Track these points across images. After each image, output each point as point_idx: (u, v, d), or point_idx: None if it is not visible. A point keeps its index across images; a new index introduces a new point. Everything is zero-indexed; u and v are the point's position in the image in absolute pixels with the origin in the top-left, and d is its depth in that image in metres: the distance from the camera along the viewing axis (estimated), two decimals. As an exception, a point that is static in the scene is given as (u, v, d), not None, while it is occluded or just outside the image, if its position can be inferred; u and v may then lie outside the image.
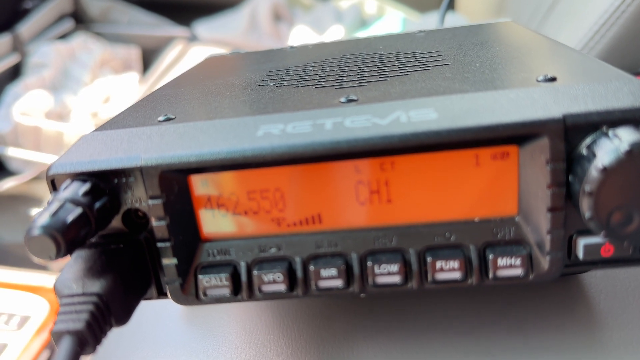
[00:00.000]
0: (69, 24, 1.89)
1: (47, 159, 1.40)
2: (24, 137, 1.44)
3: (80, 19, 1.96)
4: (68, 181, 0.28)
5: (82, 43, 1.76)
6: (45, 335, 0.83)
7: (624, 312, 0.35)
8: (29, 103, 1.49)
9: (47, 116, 1.50)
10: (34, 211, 1.30)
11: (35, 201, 1.34)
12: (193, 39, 1.81)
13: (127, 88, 1.66)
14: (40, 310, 0.86)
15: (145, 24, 1.93)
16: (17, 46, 1.66)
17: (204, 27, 1.81)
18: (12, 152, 1.43)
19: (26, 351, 0.80)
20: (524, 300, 0.36)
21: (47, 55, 1.64)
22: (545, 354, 0.33)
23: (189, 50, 1.72)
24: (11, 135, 1.44)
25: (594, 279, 0.38)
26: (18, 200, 1.36)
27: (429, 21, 1.41)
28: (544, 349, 0.33)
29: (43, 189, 1.34)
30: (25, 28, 1.69)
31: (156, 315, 0.41)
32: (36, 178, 1.35)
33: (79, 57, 1.72)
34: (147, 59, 1.87)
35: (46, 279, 0.93)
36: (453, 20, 1.30)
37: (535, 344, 0.33)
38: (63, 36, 1.84)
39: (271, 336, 0.37)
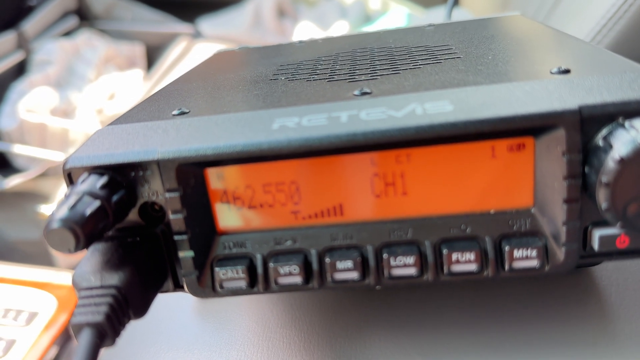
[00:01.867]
0: (73, 21, 1.89)
1: (52, 155, 1.40)
2: (29, 134, 1.45)
3: (84, 16, 1.96)
4: (85, 174, 0.28)
5: (87, 40, 1.76)
6: (53, 331, 0.83)
7: (635, 304, 0.35)
8: (34, 100, 1.49)
9: (53, 113, 1.50)
10: (40, 208, 1.30)
11: (41, 198, 1.34)
12: (197, 35, 1.81)
13: (132, 85, 1.67)
14: (48, 306, 0.87)
15: (149, 21, 1.93)
16: (22, 43, 1.67)
17: (208, 23, 1.81)
18: (18, 149, 1.43)
19: (35, 347, 0.80)
20: (536, 293, 0.36)
21: (52, 53, 1.65)
22: (557, 347, 0.33)
23: (193, 47, 1.72)
24: (17, 132, 1.45)
25: (605, 271, 0.38)
26: (24, 197, 1.37)
27: (434, 16, 1.41)
28: (555, 342, 0.33)
29: (49, 185, 1.35)
30: (30, 25, 1.69)
31: (169, 308, 0.42)
32: (42, 175, 1.36)
33: (83, 54, 1.72)
34: (151, 56, 1.87)
35: (53, 275, 0.94)
36: (459, 15, 1.29)
37: (547, 336, 0.33)
38: (67, 33, 1.84)
39: (283, 329, 0.37)
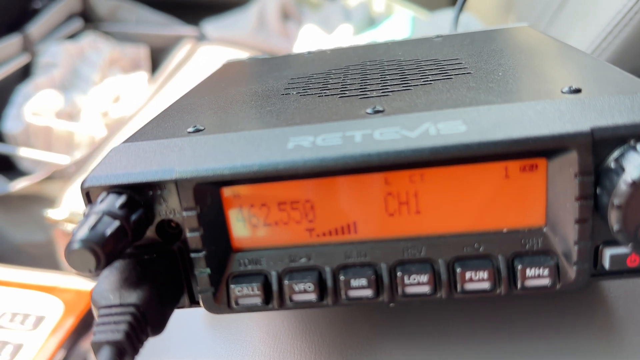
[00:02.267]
0: (77, 23, 1.89)
1: (58, 158, 1.41)
2: (35, 137, 1.45)
3: (89, 18, 1.96)
4: (104, 194, 0.28)
5: (91, 42, 1.77)
6: (60, 335, 0.84)
7: (643, 317, 0.35)
8: (39, 103, 1.49)
9: (58, 116, 1.51)
10: (46, 211, 1.30)
11: (46, 201, 1.35)
12: (202, 38, 1.81)
13: (137, 87, 1.67)
14: (55, 310, 0.87)
15: (153, 23, 1.94)
16: (27, 46, 1.67)
17: (212, 26, 1.81)
18: (24, 152, 1.44)
19: (42, 351, 0.80)
20: (544, 305, 0.36)
21: (57, 55, 1.65)
22: (565, 358, 0.33)
23: (197, 50, 1.72)
24: (22, 135, 1.45)
25: (614, 283, 0.38)
26: (30, 200, 1.37)
27: (438, 19, 1.41)
28: (564, 353, 0.33)
29: (54, 189, 1.35)
30: (35, 28, 1.70)
31: (181, 319, 0.42)
32: (48, 178, 1.36)
33: (88, 56, 1.72)
34: (156, 58, 1.88)
35: (60, 279, 0.94)
36: (463, 19, 1.29)
37: (556, 347, 0.34)
38: (72, 36, 1.85)
39: (294, 341, 0.38)
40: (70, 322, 0.85)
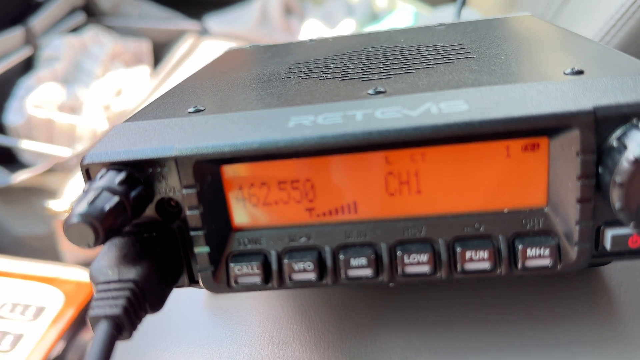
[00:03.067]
0: (80, 17, 1.90)
1: (59, 151, 1.41)
2: (36, 130, 1.45)
3: (91, 12, 1.96)
4: (104, 170, 0.28)
5: (94, 36, 1.77)
6: (60, 326, 0.84)
7: (645, 304, 0.35)
8: (41, 96, 1.49)
9: (60, 109, 1.51)
10: (48, 203, 1.30)
11: (48, 193, 1.35)
12: (204, 32, 1.81)
13: (139, 81, 1.67)
14: (55, 301, 0.87)
15: (156, 18, 1.94)
16: (30, 39, 1.67)
17: (215, 20, 1.81)
18: (25, 145, 1.44)
19: (42, 342, 0.80)
20: (545, 293, 0.36)
21: (59, 49, 1.65)
22: (566, 346, 0.33)
23: (200, 44, 1.72)
24: (24, 127, 1.45)
25: (615, 271, 0.38)
26: (31, 193, 1.37)
27: (441, 15, 1.41)
28: (564, 341, 0.33)
29: (56, 181, 1.35)
30: (37, 21, 1.70)
31: (181, 303, 0.42)
32: (49, 170, 1.36)
33: (90, 50, 1.72)
34: (158, 53, 1.88)
35: (61, 270, 0.94)
36: (467, 15, 1.29)
37: (556, 335, 0.34)
38: (75, 29, 1.85)
39: (293, 325, 0.38)
40: (70, 313, 0.85)
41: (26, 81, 1.55)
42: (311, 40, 0.56)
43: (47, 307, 0.86)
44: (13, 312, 0.84)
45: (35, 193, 1.37)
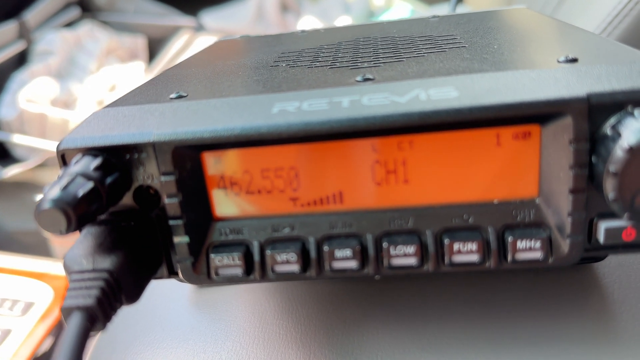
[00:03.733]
0: (75, 12, 1.89)
1: (52, 146, 1.40)
2: (29, 124, 1.44)
3: (86, 7, 1.96)
4: (79, 155, 0.27)
5: (89, 31, 1.76)
6: (49, 322, 0.83)
7: (638, 302, 0.34)
8: (34, 90, 1.49)
9: (53, 103, 1.50)
10: (39, 198, 1.29)
11: (39, 188, 1.34)
12: (199, 28, 1.80)
13: (133, 77, 1.66)
14: (44, 296, 0.86)
15: (151, 13, 1.93)
16: (23, 33, 1.66)
17: (210, 17, 1.80)
18: (18, 139, 1.43)
19: (30, 337, 0.80)
20: (538, 289, 0.36)
21: (53, 43, 1.64)
22: (558, 344, 0.32)
23: (195, 40, 1.71)
24: (16, 122, 1.44)
25: (608, 268, 0.37)
26: (23, 187, 1.36)
27: (438, 13, 1.40)
28: (557, 338, 0.32)
29: (48, 176, 1.34)
30: (32, 15, 1.69)
31: (164, 297, 0.41)
32: (41, 165, 1.35)
33: (85, 45, 1.71)
34: (153, 49, 1.87)
35: (50, 266, 0.93)
36: (462, 11, 1.28)
37: (549, 333, 0.33)
38: (69, 24, 1.84)
39: (280, 320, 0.37)
40: (59, 309, 0.85)
41: (19, 75, 1.54)
42: (302, 32, 0.55)
43: (36, 303, 0.85)
44: (1, 307, 0.84)
45: (27, 188, 1.36)
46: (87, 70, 1.64)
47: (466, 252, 0.27)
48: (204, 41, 1.70)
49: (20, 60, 1.64)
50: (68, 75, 1.63)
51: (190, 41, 1.72)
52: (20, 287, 0.88)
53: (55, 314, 0.85)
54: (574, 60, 0.28)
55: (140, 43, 1.85)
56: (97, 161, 0.26)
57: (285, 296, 0.39)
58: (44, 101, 1.49)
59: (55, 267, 0.93)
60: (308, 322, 0.36)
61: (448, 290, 0.37)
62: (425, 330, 0.34)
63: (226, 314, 0.38)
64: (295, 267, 0.28)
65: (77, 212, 0.24)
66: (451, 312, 0.35)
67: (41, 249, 1.22)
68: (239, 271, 0.29)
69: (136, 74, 1.68)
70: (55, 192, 0.24)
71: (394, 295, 0.37)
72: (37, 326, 0.82)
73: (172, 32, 1.83)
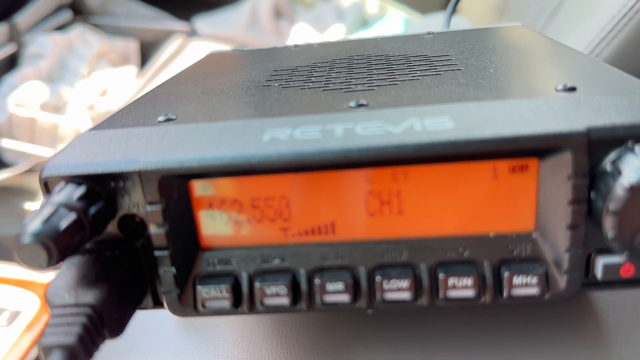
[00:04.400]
0: (67, 15, 1.87)
1: (41, 151, 1.38)
2: (18, 129, 1.43)
3: (78, 11, 1.94)
4: (62, 184, 0.26)
5: (80, 35, 1.74)
6: (35, 331, 0.82)
7: (633, 327, 0.34)
8: (24, 94, 1.47)
9: (43, 108, 1.48)
10: (28, 204, 1.28)
11: (29, 193, 1.32)
12: (192, 33, 1.79)
13: (125, 81, 1.65)
14: (30, 305, 0.85)
15: (144, 17, 1.92)
16: (14, 36, 1.64)
17: (203, 22, 1.79)
18: (6, 144, 1.41)
19: (16, 346, 0.79)
20: (531, 315, 0.35)
21: (44, 46, 1.62)
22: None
23: (188, 45, 1.70)
24: (5, 126, 1.42)
25: (603, 293, 0.37)
26: (11, 193, 1.34)
27: (431, 22, 1.40)
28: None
29: (36, 181, 1.32)
30: (22, 18, 1.67)
31: (150, 321, 0.40)
32: (30, 170, 1.33)
33: (76, 48, 1.70)
34: (146, 53, 1.86)
35: (37, 274, 0.92)
36: (456, 23, 1.28)
37: (543, 359, 0.32)
38: (61, 27, 1.82)
39: (269, 345, 0.36)
40: (46, 319, 0.83)
41: (9, 79, 1.52)
42: (296, 46, 0.54)
43: (22, 312, 0.84)
44: (-13, 316, 0.82)
45: (15, 193, 1.34)
46: (78, 74, 1.62)
47: (461, 287, 0.27)
48: (196, 46, 1.68)
49: (10, 63, 1.62)
50: (59, 79, 1.62)
51: (182, 46, 1.71)
52: (6, 295, 0.87)
53: (42, 323, 0.83)
54: (573, 89, 0.28)
55: (132, 47, 1.83)
56: (80, 190, 0.25)
57: (275, 320, 0.38)
58: (34, 105, 1.47)
59: (42, 276, 0.92)
60: (298, 348, 0.36)
61: (441, 316, 0.36)
62: (417, 356, 0.34)
63: (214, 338, 0.38)
64: (285, 300, 0.28)
65: (59, 246, 0.23)
66: (444, 339, 0.35)
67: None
68: (226, 304, 0.28)
69: (128, 78, 1.66)
70: (36, 224, 0.23)
71: (386, 321, 0.36)
72: (23, 336, 0.81)
73: (164, 36, 1.82)
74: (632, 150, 0.24)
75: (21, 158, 1.41)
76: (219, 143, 0.27)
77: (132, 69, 1.72)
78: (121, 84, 1.64)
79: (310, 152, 0.25)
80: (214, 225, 0.28)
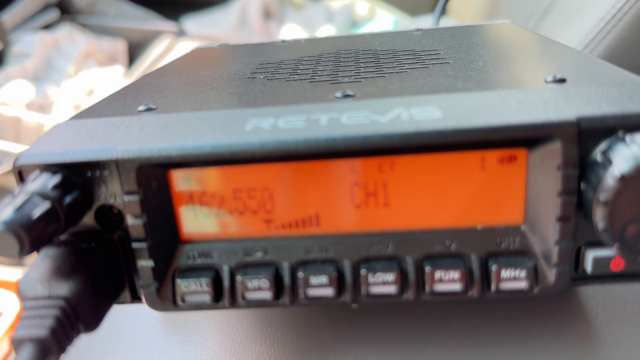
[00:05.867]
0: (54, 14, 1.85)
1: (26, 150, 1.36)
2: (3, 128, 1.41)
3: (65, 10, 1.92)
4: (37, 172, 0.25)
5: (67, 34, 1.73)
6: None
7: (622, 326, 0.34)
8: (9, 93, 1.45)
9: (28, 107, 1.47)
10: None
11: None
12: (181, 34, 1.79)
13: (112, 81, 1.63)
14: (12, 307, 0.84)
15: (132, 17, 1.90)
16: (0, 35, 1.63)
17: (192, 22, 1.78)
18: (-9, 143, 1.39)
19: (-3, 349, 0.77)
20: (520, 313, 0.35)
21: (30, 45, 1.61)
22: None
23: (176, 45, 1.69)
24: (-10, 125, 1.41)
25: (592, 291, 0.36)
26: (-5, 193, 1.32)
27: (421, 24, 1.40)
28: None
29: (21, 181, 1.31)
30: (9, 16, 1.65)
31: (131, 318, 0.39)
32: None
33: (63, 48, 1.68)
34: (133, 53, 1.85)
35: (19, 275, 0.90)
36: (445, 24, 1.28)
37: (532, 357, 0.32)
38: (47, 26, 1.80)
39: (253, 344, 0.35)
40: (9, 339, 0.82)
41: (-6, 77, 1.50)
42: (283, 41, 0.54)
43: (3, 313, 0.83)
44: (-32, 318, 0.81)
45: (0, 193, 1.32)
46: (64, 73, 1.61)
47: (448, 280, 0.26)
48: (185, 46, 1.67)
49: (-4, 62, 1.61)
50: (45, 78, 1.60)
51: (171, 46, 1.70)
52: (-14, 297, 0.86)
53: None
54: (562, 80, 0.27)
55: (120, 47, 1.82)
56: (55, 179, 0.25)
57: (260, 318, 0.37)
58: (19, 104, 1.45)
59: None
60: (282, 347, 0.35)
61: (428, 313, 0.36)
62: (405, 355, 0.33)
63: (197, 336, 0.37)
64: (267, 295, 0.27)
65: (31, 235, 0.22)
66: (431, 336, 0.34)
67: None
68: (207, 298, 0.27)
69: (115, 78, 1.65)
70: (7, 213, 0.22)
71: (372, 318, 0.36)
72: (4, 337, 0.79)
73: (152, 36, 1.81)
74: (623, 140, 0.23)
75: (6, 158, 1.39)
76: (200, 132, 0.26)
77: (119, 68, 1.71)
78: (108, 83, 1.62)
79: (294, 141, 0.25)
80: (195, 217, 0.28)
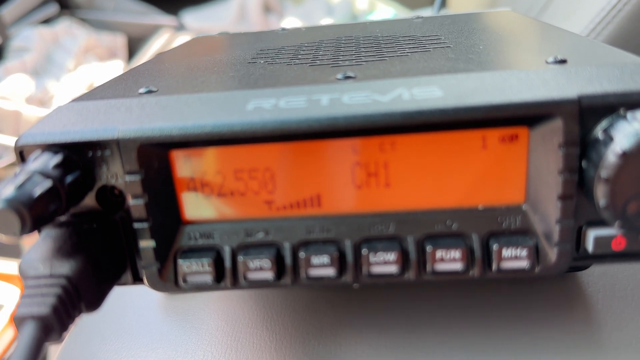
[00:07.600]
0: (53, 8, 1.85)
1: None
2: (3, 122, 1.41)
3: (65, 4, 1.92)
4: (38, 152, 0.25)
5: (67, 28, 1.72)
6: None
7: (622, 311, 0.34)
8: (9, 87, 1.45)
9: (28, 101, 1.47)
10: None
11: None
12: (180, 28, 1.78)
13: (111, 76, 1.63)
14: (13, 299, 0.84)
15: (132, 12, 1.90)
16: (-1, 29, 1.63)
17: (192, 16, 1.78)
18: (-9, 137, 1.39)
19: (-2, 340, 0.78)
20: (521, 299, 0.35)
21: (30, 40, 1.61)
22: (542, 354, 0.31)
23: (175, 40, 1.69)
24: (-10, 119, 1.41)
25: (592, 277, 0.36)
26: (-5, 187, 1.32)
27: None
28: (541, 349, 0.32)
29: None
30: (8, 11, 1.65)
31: (132, 303, 0.39)
32: (14, 164, 1.32)
33: (62, 42, 1.68)
34: (133, 47, 1.84)
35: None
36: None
37: (532, 343, 0.32)
38: (47, 21, 1.80)
39: (254, 329, 0.35)
40: (10, 317, 0.82)
41: (-7, 72, 1.50)
42: (283, 29, 0.54)
43: (4, 306, 0.83)
44: (-31, 310, 0.81)
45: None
46: (64, 68, 1.61)
47: (449, 260, 0.26)
48: (184, 41, 1.68)
49: (-5, 56, 1.61)
50: (44, 72, 1.60)
51: (170, 40, 1.70)
52: (-12, 289, 0.86)
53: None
54: (563, 61, 0.27)
55: (119, 41, 1.82)
56: (57, 158, 0.25)
57: (260, 303, 0.37)
58: (19, 99, 1.45)
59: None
60: (284, 331, 0.35)
61: (429, 297, 0.36)
62: (405, 340, 0.33)
63: (198, 321, 0.37)
64: (269, 275, 0.27)
65: (32, 213, 0.22)
66: (432, 321, 0.34)
67: (10, 250, 1.19)
68: (208, 278, 0.27)
69: (114, 72, 1.65)
70: (9, 190, 0.22)
71: (373, 302, 0.36)
72: (5, 329, 0.79)
73: (152, 31, 1.81)
74: (624, 117, 0.23)
75: (6, 151, 1.39)
76: (201, 112, 0.26)
77: (119, 63, 1.71)
78: (108, 78, 1.62)
79: (295, 120, 0.25)
80: (196, 198, 0.28)
